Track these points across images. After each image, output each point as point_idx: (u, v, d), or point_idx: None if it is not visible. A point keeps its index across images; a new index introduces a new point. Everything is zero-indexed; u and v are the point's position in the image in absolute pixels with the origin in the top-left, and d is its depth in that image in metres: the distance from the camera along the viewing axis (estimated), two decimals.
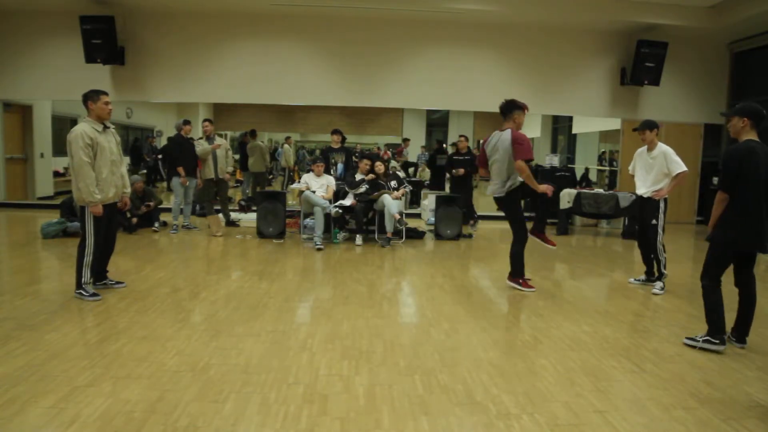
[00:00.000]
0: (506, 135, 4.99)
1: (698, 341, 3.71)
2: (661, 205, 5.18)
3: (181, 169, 7.83)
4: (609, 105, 10.05)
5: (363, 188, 7.44)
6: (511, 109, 5.13)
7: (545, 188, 4.95)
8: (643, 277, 5.55)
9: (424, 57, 9.66)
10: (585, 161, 15.72)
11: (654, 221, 5.21)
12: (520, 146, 4.84)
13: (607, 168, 14.49)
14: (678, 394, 2.99)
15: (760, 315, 4.49)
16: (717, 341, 3.65)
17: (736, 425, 2.65)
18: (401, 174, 10.20)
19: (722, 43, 10.14)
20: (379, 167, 7.61)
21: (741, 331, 3.79)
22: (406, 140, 16.10)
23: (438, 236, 7.97)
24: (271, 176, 15.27)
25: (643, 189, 5.34)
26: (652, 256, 5.37)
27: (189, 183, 7.95)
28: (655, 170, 5.21)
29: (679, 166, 5.07)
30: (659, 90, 9.71)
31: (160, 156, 12.77)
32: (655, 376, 3.22)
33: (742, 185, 3.56)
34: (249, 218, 8.92)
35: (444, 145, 13.10)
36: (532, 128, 18.25)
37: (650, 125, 5.31)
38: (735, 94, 10.25)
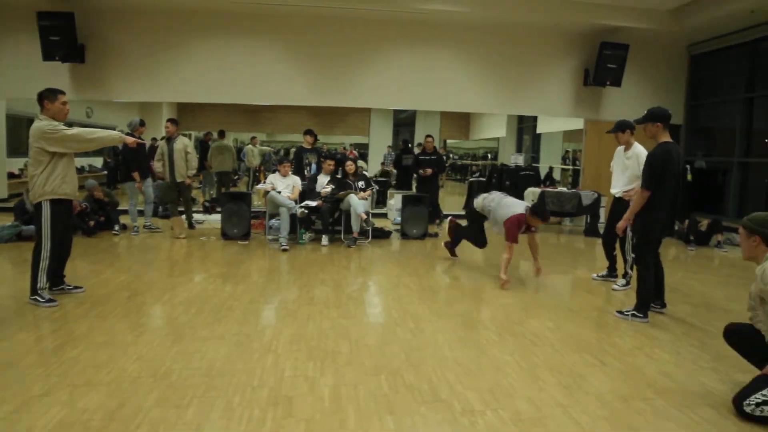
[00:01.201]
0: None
1: (627, 315, 4.33)
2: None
3: (136, 175, 7.67)
4: (572, 105, 10.23)
5: (329, 188, 7.42)
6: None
7: None
8: (605, 272, 5.65)
9: (391, 57, 9.67)
10: (549, 160, 16.01)
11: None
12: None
13: (571, 167, 14.78)
14: (637, 386, 3.07)
15: (715, 309, 4.66)
16: (642, 315, 4.29)
17: (691, 414, 2.74)
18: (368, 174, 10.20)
19: (681, 45, 10.44)
20: (350, 167, 7.63)
21: (661, 297, 4.57)
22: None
23: (404, 236, 8.00)
24: (236, 177, 15.09)
25: (616, 188, 5.31)
26: (615, 253, 5.47)
27: (144, 183, 7.81)
28: (629, 171, 5.16)
29: None
30: (621, 90, 9.93)
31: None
32: (615, 370, 3.29)
33: (663, 182, 4.16)
34: (213, 219, 8.78)
35: (410, 145, 13.15)
36: (498, 128, 18.52)
37: (622, 126, 5.22)
38: (692, 95, 10.57)
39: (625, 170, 5.23)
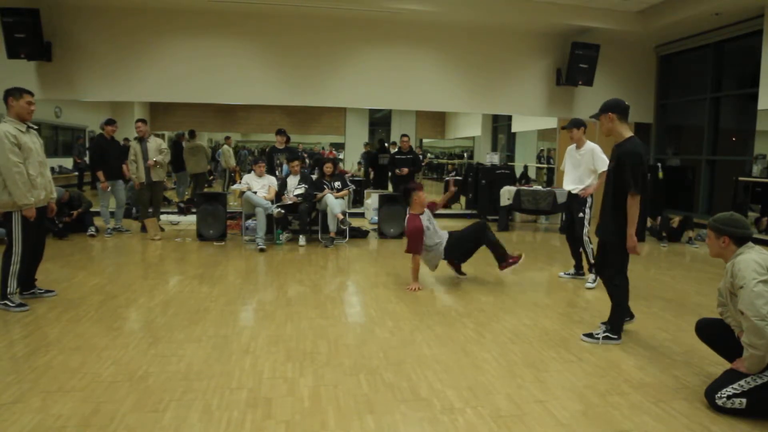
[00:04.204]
0: None
1: (598, 338, 3.74)
2: (588, 199, 5.37)
3: (100, 174, 7.52)
4: (546, 104, 10.36)
5: (301, 189, 7.38)
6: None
7: None
8: (572, 271, 5.72)
9: (365, 56, 9.67)
10: (524, 159, 16.18)
11: (581, 214, 5.38)
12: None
13: (545, 165, 14.96)
14: (613, 380, 3.12)
15: (687, 303, 4.76)
16: (616, 336, 3.74)
17: (665, 407, 2.80)
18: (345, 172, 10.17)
19: (649, 46, 10.65)
20: (328, 167, 7.62)
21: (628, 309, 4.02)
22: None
23: (381, 235, 8.00)
24: (211, 177, 14.92)
25: (570, 185, 5.51)
26: (581, 249, 5.54)
27: (116, 185, 7.65)
28: (582, 167, 5.41)
29: (604, 164, 5.18)
30: (592, 90, 10.08)
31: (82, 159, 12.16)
32: (592, 365, 3.35)
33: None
34: (189, 220, 8.67)
35: (386, 144, 13.18)
36: (473, 127, 18.65)
37: (577, 123, 5.49)
38: (662, 94, 10.80)
39: (578, 166, 5.46)
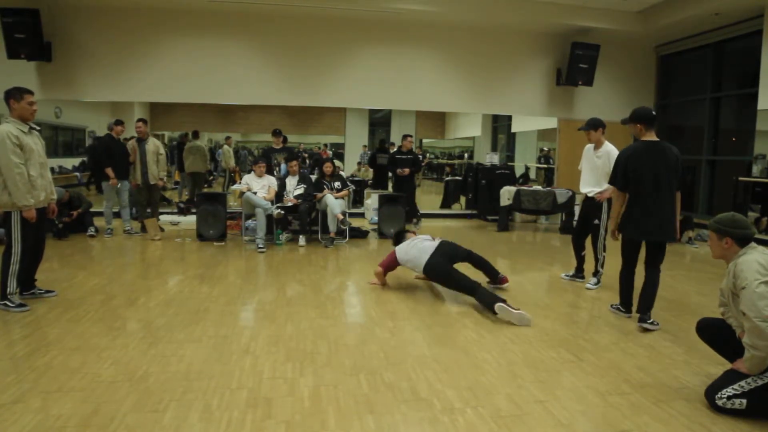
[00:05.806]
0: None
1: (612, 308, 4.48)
2: (605, 205, 5.10)
3: (109, 170, 7.49)
4: (546, 104, 10.36)
5: (301, 189, 7.38)
6: None
7: None
8: (572, 272, 5.65)
9: (365, 56, 9.67)
10: (524, 159, 16.17)
11: (597, 221, 5.19)
12: None
13: (545, 166, 14.95)
14: (613, 381, 3.12)
15: (687, 303, 4.76)
16: (623, 310, 4.40)
17: (666, 407, 2.80)
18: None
19: (649, 46, 10.65)
20: (328, 167, 7.62)
21: (640, 307, 4.16)
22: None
23: (381, 235, 8.00)
24: (211, 177, 14.92)
25: (587, 188, 5.27)
26: (583, 253, 5.50)
27: (122, 185, 7.64)
28: (599, 170, 5.12)
29: None
30: (592, 90, 10.10)
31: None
32: (592, 365, 3.34)
33: (627, 182, 4.12)
34: (189, 221, 8.66)
35: (386, 144, 13.14)
36: (473, 127, 18.64)
37: (594, 125, 5.17)
38: (661, 94, 10.80)
39: (595, 169, 5.19)
